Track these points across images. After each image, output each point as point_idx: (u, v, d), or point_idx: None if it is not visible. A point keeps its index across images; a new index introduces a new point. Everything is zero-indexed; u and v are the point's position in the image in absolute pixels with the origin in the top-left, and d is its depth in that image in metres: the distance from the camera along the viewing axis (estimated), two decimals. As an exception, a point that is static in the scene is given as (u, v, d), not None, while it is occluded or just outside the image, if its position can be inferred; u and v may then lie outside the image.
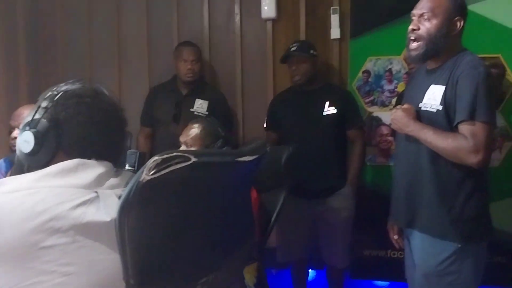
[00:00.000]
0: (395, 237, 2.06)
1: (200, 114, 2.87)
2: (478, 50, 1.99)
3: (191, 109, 2.89)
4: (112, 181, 1.02)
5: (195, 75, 2.90)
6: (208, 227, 0.98)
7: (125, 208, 0.82)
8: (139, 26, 3.28)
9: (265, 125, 2.89)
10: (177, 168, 0.82)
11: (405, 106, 1.85)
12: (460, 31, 1.81)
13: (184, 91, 2.94)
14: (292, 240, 2.76)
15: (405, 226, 1.94)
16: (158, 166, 0.81)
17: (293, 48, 2.73)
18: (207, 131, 2.08)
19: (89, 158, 1.02)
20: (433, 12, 1.76)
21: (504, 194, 2.70)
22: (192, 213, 0.92)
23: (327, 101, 2.68)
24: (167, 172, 0.81)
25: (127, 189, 0.82)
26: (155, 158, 0.81)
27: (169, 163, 0.81)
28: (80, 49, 3.34)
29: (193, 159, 0.82)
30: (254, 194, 2.12)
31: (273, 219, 2.19)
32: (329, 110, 2.68)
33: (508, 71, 2.76)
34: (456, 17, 1.78)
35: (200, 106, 2.90)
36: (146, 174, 0.81)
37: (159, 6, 3.26)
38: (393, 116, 1.86)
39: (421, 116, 1.80)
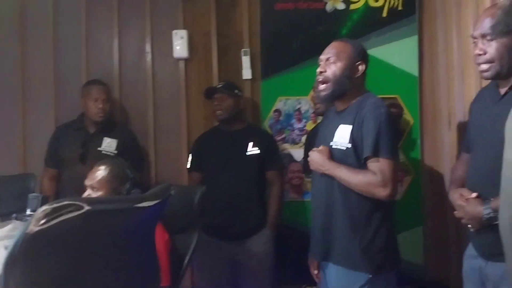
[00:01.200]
0: (315, 272, 2.11)
1: (108, 153, 2.77)
2: (379, 92, 2.14)
3: (99, 148, 2.79)
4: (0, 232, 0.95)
5: (106, 115, 2.83)
6: (106, 277, 0.93)
7: (11, 263, 0.76)
8: (45, 62, 3.13)
9: (188, 166, 2.86)
10: (69, 218, 0.77)
11: (321, 148, 1.97)
12: (362, 75, 2.00)
13: (91, 130, 2.84)
14: (212, 283, 2.70)
15: (321, 259, 2.01)
16: (48, 216, 0.76)
17: (219, 85, 2.81)
18: (114, 173, 1.99)
19: None
20: (337, 57, 1.96)
21: (406, 226, 2.86)
22: (87, 264, 0.87)
23: (251, 141, 2.72)
24: (57, 222, 0.77)
25: (13, 242, 0.76)
26: (45, 207, 0.76)
27: (59, 213, 0.77)
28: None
29: (86, 208, 0.78)
30: (165, 236, 2.06)
31: (186, 261, 2.14)
32: (253, 150, 2.71)
33: (405, 110, 2.99)
34: (358, 61, 1.97)
35: (109, 145, 2.81)
36: (34, 225, 0.76)
37: (67, 42, 3.15)
38: (310, 158, 1.99)
39: (333, 154, 1.93)
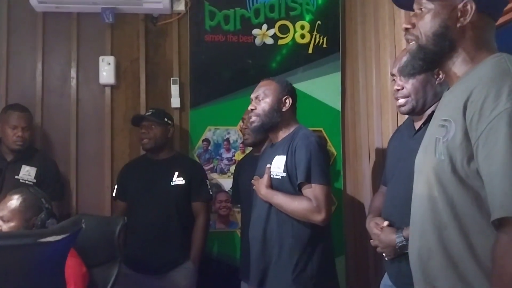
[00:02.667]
0: None
1: (26, 181, 2.62)
2: (304, 124, 2.21)
3: (16, 177, 2.63)
4: None
5: (25, 143, 2.67)
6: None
7: None
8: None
9: (114, 194, 2.79)
10: (-38, 255, 0.72)
11: (265, 176, 2.05)
12: (291, 108, 2.14)
13: (8, 157, 2.68)
14: None
15: (257, 286, 2.03)
16: None
17: (148, 113, 2.75)
18: (27, 203, 1.88)
19: None
20: (265, 94, 2.12)
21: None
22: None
23: (176, 171, 2.67)
24: None
25: None
26: None
27: (-49, 250, 0.71)
28: None
29: (-18, 244, 0.73)
30: (83, 269, 1.97)
31: (105, 295, 2.06)
32: (178, 180, 2.66)
33: (329, 143, 3.10)
34: (284, 96, 2.12)
35: (27, 173, 2.66)
36: None
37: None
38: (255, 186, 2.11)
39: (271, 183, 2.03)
